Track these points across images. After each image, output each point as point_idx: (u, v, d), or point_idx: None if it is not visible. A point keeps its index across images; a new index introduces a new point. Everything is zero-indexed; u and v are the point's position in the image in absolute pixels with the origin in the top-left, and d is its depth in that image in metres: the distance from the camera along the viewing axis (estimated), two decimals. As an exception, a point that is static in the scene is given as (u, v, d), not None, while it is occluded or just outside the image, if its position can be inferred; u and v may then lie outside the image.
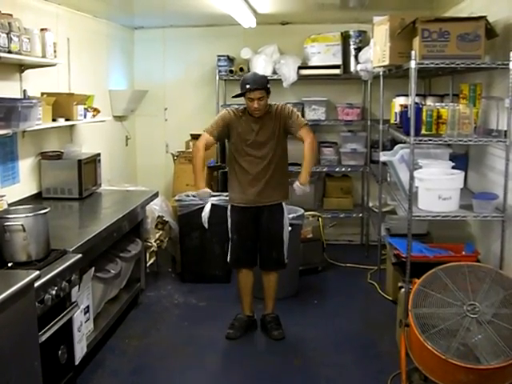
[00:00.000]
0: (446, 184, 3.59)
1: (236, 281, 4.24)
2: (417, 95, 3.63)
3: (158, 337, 4.05)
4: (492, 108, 3.64)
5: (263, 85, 3.78)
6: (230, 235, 4.04)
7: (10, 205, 3.49)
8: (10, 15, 3.41)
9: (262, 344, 3.97)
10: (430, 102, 4.31)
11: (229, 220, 4.03)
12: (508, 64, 3.33)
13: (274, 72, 5.74)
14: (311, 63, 5.80)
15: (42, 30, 3.76)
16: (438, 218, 3.58)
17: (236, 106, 4.03)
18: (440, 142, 3.67)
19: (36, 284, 2.49)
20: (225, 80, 6.08)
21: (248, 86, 3.74)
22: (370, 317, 4.40)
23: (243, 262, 4.05)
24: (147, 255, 4.92)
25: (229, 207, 4.05)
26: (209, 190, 4.00)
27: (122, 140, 6.18)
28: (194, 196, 5.03)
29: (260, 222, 3.96)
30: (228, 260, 4.09)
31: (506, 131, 3.43)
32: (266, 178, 3.88)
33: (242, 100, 3.93)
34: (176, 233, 5.20)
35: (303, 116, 5.84)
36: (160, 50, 6.35)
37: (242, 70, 5.78)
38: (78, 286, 3.06)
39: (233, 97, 4.00)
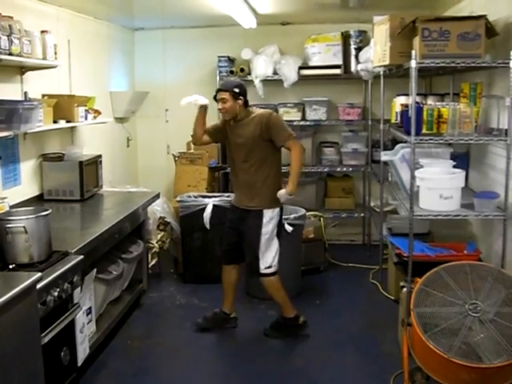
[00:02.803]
0: (447, 183, 3.60)
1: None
2: (417, 94, 3.63)
3: (160, 338, 4.05)
4: (493, 107, 3.64)
5: (227, 87, 3.88)
6: None
7: (11, 207, 3.50)
8: (11, 17, 3.41)
9: (265, 344, 3.97)
10: (430, 101, 4.31)
11: None
12: (508, 63, 3.33)
13: (275, 72, 5.75)
14: (312, 63, 5.80)
15: (42, 31, 3.77)
16: (440, 217, 3.58)
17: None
18: (441, 142, 3.67)
19: (38, 286, 2.50)
20: (225, 81, 6.09)
21: (217, 88, 4.01)
22: (372, 316, 4.40)
23: (225, 259, 4.13)
24: (149, 256, 4.92)
25: None
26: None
27: (123, 141, 6.19)
28: (195, 197, 5.06)
29: (242, 224, 3.99)
30: None
31: (506, 130, 3.43)
32: (248, 182, 3.93)
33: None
34: (178, 234, 5.20)
35: (304, 117, 5.86)
36: (160, 51, 6.35)
37: (242, 70, 5.79)
38: (80, 288, 3.06)
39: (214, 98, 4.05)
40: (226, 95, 3.85)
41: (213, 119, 4.28)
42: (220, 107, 3.89)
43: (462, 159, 4.10)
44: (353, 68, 5.72)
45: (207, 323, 4.13)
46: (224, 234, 4.16)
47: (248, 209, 3.94)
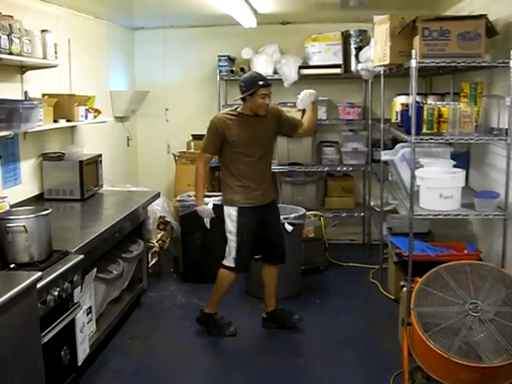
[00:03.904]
0: (447, 183, 3.60)
1: (223, 281, 4.00)
2: (418, 94, 3.63)
3: (160, 337, 4.05)
4: (493, 106, 3.64)
5: (268, 81, 3.86)
6: (234, 238, 3.87)
7: (11, 206, 3.50)
8: (11, 17, 3.42)
9: (265, 344, 3.97)
10: (431, 100, 4.31)
11: (230, 222, 3.89)
12: (509, 62, 3.33)
13: (275, 72, 5.75)
14: (312, 63, 5.80)
15: (42, 31, 3.77)
16: (440, 216, 3.58)
17: (230, 108, 4.04)
18: (441, 141, 3.67)
19: (38, 285, 2.50)
20: (226, 80, 6.09)
21: (261, 83, 3.76)
22: (372, 316, 4.39)
23: (246, 269, 4.09)
24: (149, 256, 4.92)
25: (233, 210, 3.88)
26: (209, 208, 4.05)
27: (124, 141, 6.19)
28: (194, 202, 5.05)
29: (266, 219, 3.96)
30: (233, 265, 3.89)
31: (507, 129, 3.44)
32: (266, 177, 3.98)
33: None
34: (178, 233, 5.20)
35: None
36: (160, 51, 6.35)
37: (242, 69, 5.78)
38: (80, 287, 3.06)
39: (236, 99, 4.01)
40: (270, 89, 3.83)
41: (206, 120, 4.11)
42: (268, 102, 3.82)
43: (462, 159, 4.10)
44: (353, 67, 5.72)
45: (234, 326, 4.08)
46: (248, 241, 3.87)
47: (266, 203, 3.97)
